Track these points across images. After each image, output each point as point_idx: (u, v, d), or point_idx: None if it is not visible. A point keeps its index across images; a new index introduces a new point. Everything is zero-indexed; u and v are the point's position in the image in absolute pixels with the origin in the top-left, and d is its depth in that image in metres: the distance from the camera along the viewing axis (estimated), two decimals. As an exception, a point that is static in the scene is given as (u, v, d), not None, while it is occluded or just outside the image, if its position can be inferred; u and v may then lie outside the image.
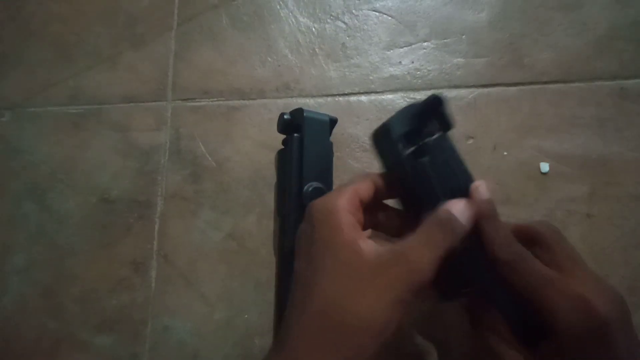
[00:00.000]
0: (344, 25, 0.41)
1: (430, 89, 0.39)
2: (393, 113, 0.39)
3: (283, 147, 0.36)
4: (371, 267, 0.21)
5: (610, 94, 0.37)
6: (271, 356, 0.22)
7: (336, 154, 0.38)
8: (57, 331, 0.36)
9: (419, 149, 0.25)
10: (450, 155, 0.26)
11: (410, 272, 0.21)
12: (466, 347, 0.32)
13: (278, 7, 0.42)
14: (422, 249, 0.21)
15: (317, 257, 0.22)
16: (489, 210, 0.24)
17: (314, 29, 0.42)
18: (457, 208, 0.23)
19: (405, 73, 0.39)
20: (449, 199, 0.24)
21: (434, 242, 0.22)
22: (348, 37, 0.41)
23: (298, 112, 0.34)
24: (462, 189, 0.25)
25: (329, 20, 0.42)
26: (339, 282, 0.21)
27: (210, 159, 0.39)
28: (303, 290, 0.22)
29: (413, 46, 0.40)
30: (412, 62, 0.40)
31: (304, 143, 0.33)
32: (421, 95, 0.39)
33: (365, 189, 0.25)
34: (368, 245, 0.22)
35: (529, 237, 0.26)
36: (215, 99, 0.40)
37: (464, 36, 0.40)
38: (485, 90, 0.38)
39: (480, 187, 0.24)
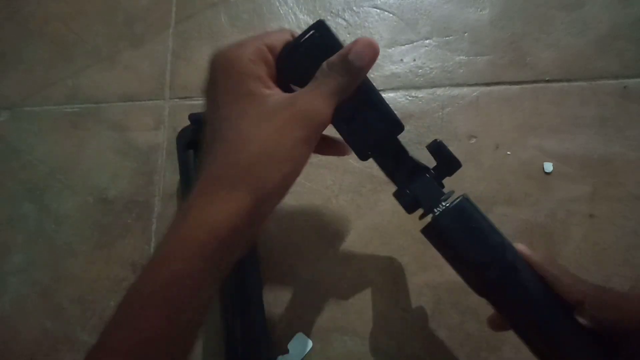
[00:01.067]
0: (344, 23, 0.41)
1: (432, 87, 0.38)
2: (394, 111, 0.39)
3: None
4: (269, 111, 0.22)
5: (612, 94, 0.37)
6: (181, 204, 0.23)
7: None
8: (56, 331, 0.36)
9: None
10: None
11: (303, 111, 0.22)
12: (467, 347, 0.32)
13: (277, 4, 0.42)
14: (314, 92, 0.23)
15: (222, 106, 0.23)
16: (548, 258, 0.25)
17: (314, 27, 0.41)
18: (355, 49, 0.23)
19: (407, 71, 0.39)
20: None
21: (326, 84, 0.23)
22: (349, 34, 0.41)
23: None
24: None
25: (329, 18, 0.41)
26: (242, 126, 0.22)
27: (209, 158, 0.39)
28: (211, 136, 0.23)
29: (415, 44, 0.40)
30: (414, 60, 0.39)
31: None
32: (423, 94, 0.38)
33: (277, 39, 0.24)
34: (269, 94, 0.23)
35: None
36: (214, 98, 0.40)
37: (465, 34, 0.39)
38: (487, 88, 0.38)
39: None
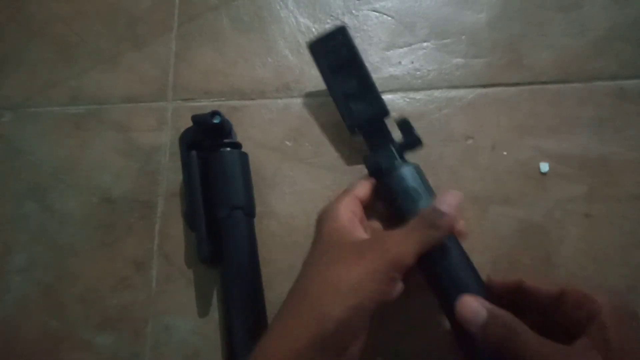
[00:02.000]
0: (344, 26, 0.41)
1: (429, 89, 0.39)
2: (393, 113, 0.40)
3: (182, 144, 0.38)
4: (356, 248, 0.25)
5: (609, 94, 0.37)
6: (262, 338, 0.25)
7: (336, 154, 0.38)
8: (59, 330, 0.37)
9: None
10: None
11: (386, 251, 0.24)
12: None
13: (278, 7, 0.42)
14: (401, 236, 0.25)
15: (317, 248, 0.27)
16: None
17: (314, 29, 0.42)
18: (444, 204, 0.26)
19: (405, 73, 0.40)
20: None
21: (414, 232, 0.25)
22: (348, 37, 0.41)
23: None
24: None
25: (329, 21, 0.42)
26: (325, 260, 0.26)
27: (210, 159, 0.39)
28: (298, 277, 0.27)
29: (413, 46, 0.40)
30: (412, 63, 0.40)
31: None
32: (421, 96, 0.39)
33: (362, 190, 0.31)
34: (361, 233, 0.27)
35: (577, 304, 0.24)
36: (215, 99, 0.41)
37: (463, 37, 0.40)
38: (485, 90, 0.38)
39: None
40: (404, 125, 0.33)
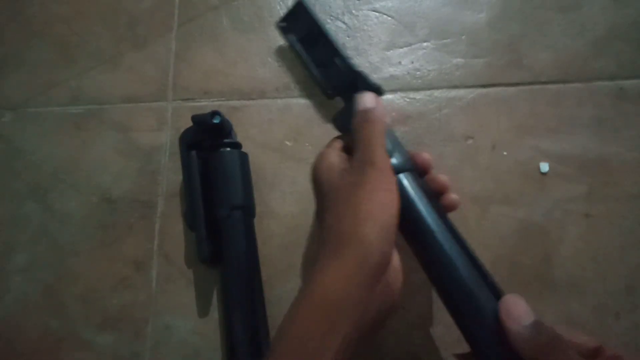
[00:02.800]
0: (343, 26, 0.42)
1: (429, 89, 0.39)
2: (393, 113, 0.40)
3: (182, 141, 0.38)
4: (357, 173, 0.26)
5: (609, 95, 0.37)
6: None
7: (336, 154, 0.38)
8: (59, 330, 0.37)
9: None
10: None
11: (373, 164, 0.26)
12: (464, 344, 0.33)
13: (278, 7, 0.43)
14: (365, 146, 0.27)
15: (326, 193, 0.27)
16: None
17: (314, 29, 0.42)
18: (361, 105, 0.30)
19: (405, 73, 0.40)
20: None
21: (366, 137, 0.28)
22: (348, 37, 0.41)
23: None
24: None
25: (329, 21, 0.42)
26: (341, 199, 0.25)
27: (211, 159, 0.39)
28: (321, 217, 0.27)
29: (413, 46, 0.40)
30: (412, 63, 0.40)
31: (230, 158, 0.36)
32: (421, 96, 0.39)
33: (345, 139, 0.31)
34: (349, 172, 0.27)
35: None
36: (215, 99, 0.41)
37: (463, 37, 0.40)
38: (484, 90, 0.38)
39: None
40: (360, 77, 0.33)
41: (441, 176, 0.30)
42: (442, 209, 0.29)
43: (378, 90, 0.33)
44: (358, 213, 0.23)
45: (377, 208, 0.24)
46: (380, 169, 0.25)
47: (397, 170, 0.28)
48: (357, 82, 0.33)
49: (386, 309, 0.24)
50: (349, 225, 0.23)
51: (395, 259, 0.25)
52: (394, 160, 0.28)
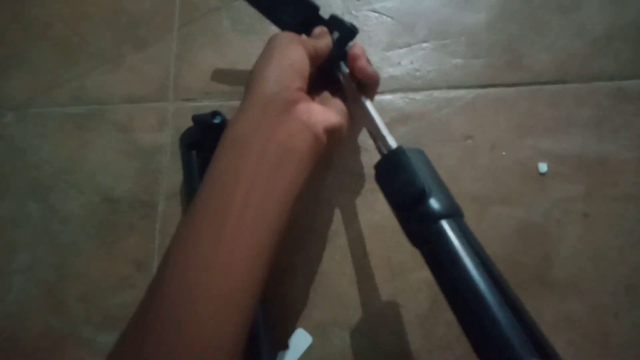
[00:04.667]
0: (343, 27, 0.42)
1: (429, 89, 0.39)
2: (393, 114, 0.40)
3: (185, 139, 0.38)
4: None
5: (608, 95, 0.37)
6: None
7: (336, 154, 0.38)
8: (61, 329, 0.37)
9: None
10: None
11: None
12: (464, 343, 0.33)
13: (278, 8, 0.43)
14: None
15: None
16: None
17: (314, 30, 0.42)
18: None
19: (405, 73, 0.40)
20: None
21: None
22: (348, 38, 0.41)
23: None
24: None
25: (329, 22, 0.42)
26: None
27: (211, 159, 0.39)
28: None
29: (412, 47, 0.40)
30: (412, 63, 0.40)
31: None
32: (420, 96, 0.39)
33: (320, 44, 0.32)
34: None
35: None
36: (216, 100, 0.41)
37: (462, 37, 0.40)
38: (484, 90, 0.39)
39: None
40: (333, 20, 0.34)
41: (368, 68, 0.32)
42: (490, 260, 0.24)
43: (353, 31, 0.34)
44: (264, 60, 0.28)
45: (278, 54, 0.28)
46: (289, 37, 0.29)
47: (439, 216, 0.24)
48: (317, 20, 0.34)
49: (315, 142, 0.27)
50: (255, 70, 0.28)
51: (330, 104, 0.30)
52: (434, 204, 0.24)
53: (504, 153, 0.37)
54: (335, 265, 0.36)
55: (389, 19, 0.41)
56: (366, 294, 0.35)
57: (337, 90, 0.33)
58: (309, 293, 0.35)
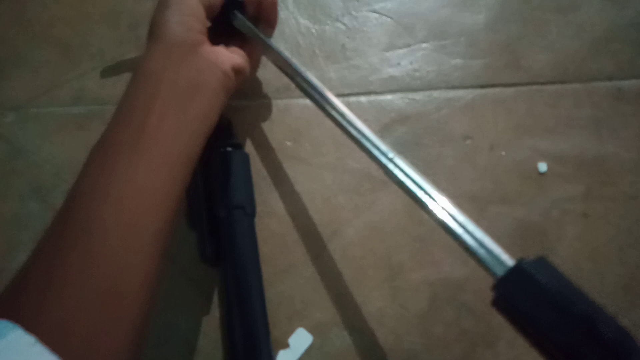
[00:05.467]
0: (343, 27, 0.42)
1: (428, 89, 0.39)
2: (392, 114, 0.40)
3: None
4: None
5: (606, 95, 0.37)
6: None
7: (336, 154, 0.39)
8: (61, 329, 0.37)
9: None
10: None
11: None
12: (463, 342, 0.33)
13: (278, 9, 0.43)
14: None
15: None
16: None
17: (314, 30, 0.42)
18: None
19: (404, 74, 0.40)
20: None
21: None
22: (348, 38, 0.41)
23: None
24: None
25: (328, 22, 0.42)
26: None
27: (211, 159, 0.39)
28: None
29: (412, 47, 0.41)
30: (411, 64, 0.40)
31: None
32: (420, 96, 0.39)
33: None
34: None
35: None
36: (216, 100, 0.41)
37: (462, 38, 0.40)
38: (483, 91, 0.39)
39: None
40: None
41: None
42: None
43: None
44: (163, 6, 0.29)
45: (175, 1, 0.29)
46: None
47: None
48: None
49: (223, 77, 0.29)
50: (157, 16, 0.29)
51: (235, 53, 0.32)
52: None
53: (503, 153, 0.37)
54: (335, 265, 0.36)
55: (388, 19, 0.42)
56: (366, 293, 0.35)
57: (232, 42, 0.34)
58: (309, 293, 0.35)
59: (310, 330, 0.34)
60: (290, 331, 0.34)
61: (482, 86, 0.39)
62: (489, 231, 0.35)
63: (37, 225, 0.40)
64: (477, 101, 0.38)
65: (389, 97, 0.39)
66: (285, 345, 0.34)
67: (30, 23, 0.45)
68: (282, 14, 0.43)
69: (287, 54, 0.33)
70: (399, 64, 0.40)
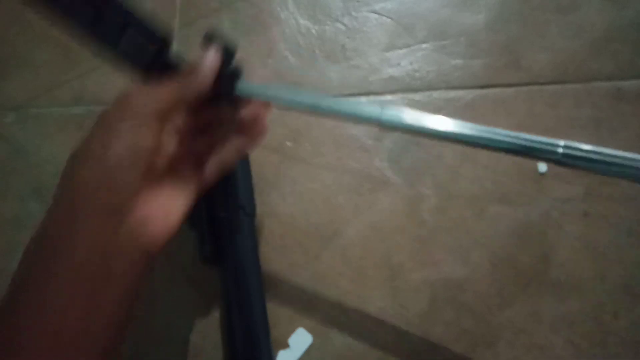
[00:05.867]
0: (343, 27, 0.42)
1: (428, 90, 0.39)
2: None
3: None
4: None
5: (606, 95, 0.37)
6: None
7: (336, 154, 0.39)
8: (61, 329, 0.37)
9: None
10: None
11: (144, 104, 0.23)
12: (463, 342, 0.33)
13: (279, 9, 0.43)
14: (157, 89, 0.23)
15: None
16: None
17: (314, 30, 0.42)
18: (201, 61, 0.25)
19: (404, 74, 0.40)
20: None
21: (169, 84, 0.24)
22: (348, 38, 0.42)
23: None
24: None
25: (328, 22, 0.42)
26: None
27: (211, 159, 0.39)
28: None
29: (412, 48, 0.41)
30: (411, 64, 0.40)
31: None
32: (420, 97, 0.39)
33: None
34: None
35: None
36: (216, 100, 0.41)
37: (461, 38, 0.40)
38: (483, 91, 0.39)
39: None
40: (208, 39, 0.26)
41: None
42: None
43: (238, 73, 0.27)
44: (84, 152, 0.23)
45: (100, 146, 0.22)
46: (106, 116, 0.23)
47: None
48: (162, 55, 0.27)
49: (145, 258, 0.23)
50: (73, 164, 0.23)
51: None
52: None
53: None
54: (335, 265, 0.36)
55: (388, 20, 0.42)
56: (366, 294, 0.35)
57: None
58: (309, 293, 0.35)
59: (310, 330, 0.34)
60: (290, 331, 0.34)
61: (482, 86, 0.39)
62: (489, 231, 0.35)
63: (37, 226, 0.40)
64: (477, 101, 0.38)
65: (389, 97, 0.39)
66: (285, 346, 0.34)
67: (30, 23, 0.46)
68: (282, 14, 0.43)
69: (308, 98, 0.25)
70: (399, 64, 0.40)
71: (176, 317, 0.36)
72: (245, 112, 0.27)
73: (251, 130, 0.27)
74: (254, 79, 0.34)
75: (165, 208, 0.24)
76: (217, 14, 0.43)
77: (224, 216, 0.34)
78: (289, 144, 0.39)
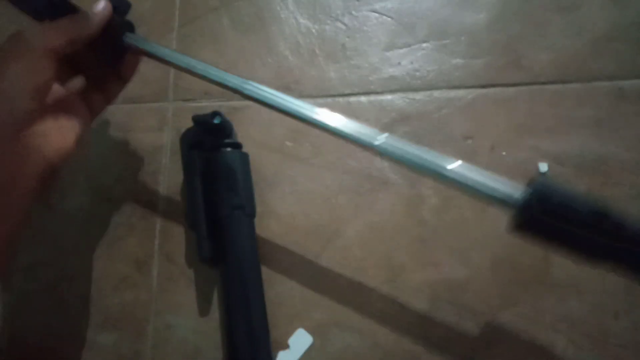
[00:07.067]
0: (343, 27, 0.42)
1: (429, 89, 0.39)
2: (392, 114, 0.40)
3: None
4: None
5: (608, 95, 0.37)
6: None
7: (336, 154, 0.38)
8: (60, 329, 0.37)
9: None
10: None
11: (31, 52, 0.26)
12: (463, 343, 0.33)
13: (278, 8, 0.43)
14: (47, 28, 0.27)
15: None
16: None
17: (314, 30, 0.42)
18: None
19: (405, 74, 0.40)
20: None
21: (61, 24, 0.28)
22: (348, 38, 0.41)
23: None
24: None
25: (328, 22, 0.42)
26: None
27: (211, 159, 0.39)
28: None
29: (412, 47, 0.40)
30: (411, 63, 0.40)
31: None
32: (420, 96, 0.39)
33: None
34: None
35: None
36: (216, 100, 0.41)
37: (462, 37, 0.40)
38: (484, 90, 0.39)
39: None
40: None
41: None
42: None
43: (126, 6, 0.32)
44: None
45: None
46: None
47: None
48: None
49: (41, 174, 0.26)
50: None
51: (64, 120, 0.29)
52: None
53: (504, 153, 0.37)
54: (335, 265, 0.36)
55: (388, 19, 0.41)
56: (366, 294, 0.35)
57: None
58: (309, 293, 0.35)
59: (310, 330, 0.34)
60: (291, 332, 0.34)
61: (483, 86, 0.39)
62: (490, 231, 0.35)
63: (37, 225, 0.40)
64: (478, 101, 0.38)
65: (389, 96, 0.39)
66: (285, 346, 0.34)
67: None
68: (282, 13, 0.43)
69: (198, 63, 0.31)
70: (399, 63, 0.40)
71: (176, 317, 0.36)
72: (127, 60, 0.33)
73: (126, 76, 0.34)
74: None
75: (62, 129, 0.28)
76: (216, 13, 0.43)
77: (224, 216, 0.34)
78: (289, 144, 0.39)
